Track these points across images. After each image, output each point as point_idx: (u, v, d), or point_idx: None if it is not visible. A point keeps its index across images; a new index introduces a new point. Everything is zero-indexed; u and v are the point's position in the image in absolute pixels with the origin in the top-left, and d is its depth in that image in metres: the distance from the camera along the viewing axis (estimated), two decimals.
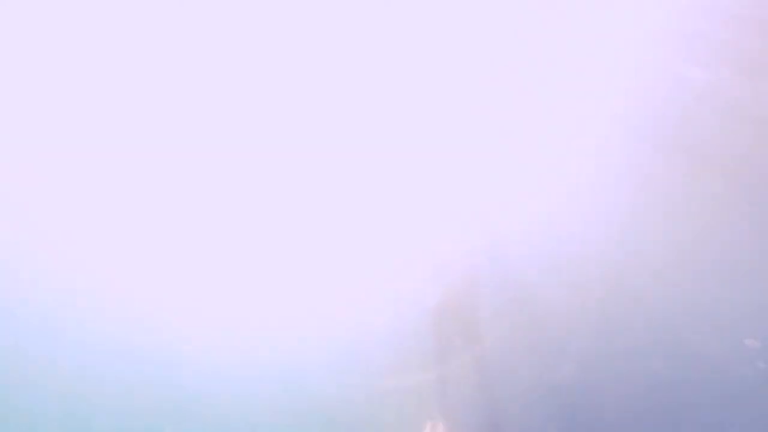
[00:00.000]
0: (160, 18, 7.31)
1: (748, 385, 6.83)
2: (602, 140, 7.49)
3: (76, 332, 7.90)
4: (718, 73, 6.97)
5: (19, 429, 7.86)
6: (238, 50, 7.52)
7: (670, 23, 7.03)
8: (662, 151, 7.43)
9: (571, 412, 7.21)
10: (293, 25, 7.50)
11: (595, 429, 7.18)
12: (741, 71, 6.89)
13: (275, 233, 7.80)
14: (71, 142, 7.70)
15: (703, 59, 6.96)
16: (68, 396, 7.79)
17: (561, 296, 7.44)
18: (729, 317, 7.03)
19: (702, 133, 7.28)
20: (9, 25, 7.40)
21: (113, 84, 7.56)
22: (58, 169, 7.76)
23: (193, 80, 7.61)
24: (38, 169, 7.77)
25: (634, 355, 7.19)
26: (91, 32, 7.31)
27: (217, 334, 7.97)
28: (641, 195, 7.48)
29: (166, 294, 7.81)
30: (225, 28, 7.48)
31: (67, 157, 7.70)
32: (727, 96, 7.03)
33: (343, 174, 7.72)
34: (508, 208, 7.55)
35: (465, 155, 7.62)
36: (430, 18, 7.36)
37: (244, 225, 7.87)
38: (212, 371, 7.88)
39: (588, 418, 7.15)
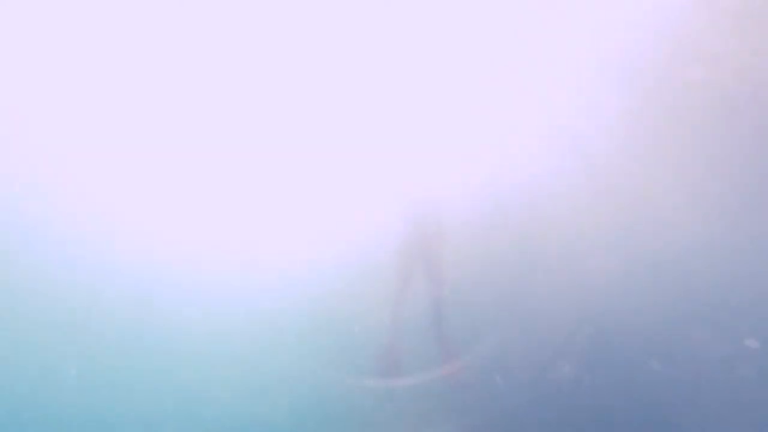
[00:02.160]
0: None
1: (748, 385, 6.83)
2: (599, 138, 7.49)
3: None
4: (718, 73, 6.97)
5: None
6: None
7: (669, 23, 7.03)
8: (660, 148, 7.45)
9: (568, 411, 7.21)
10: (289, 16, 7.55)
11: (592, 429, 7.19)
12: (741, 71, 6.90)
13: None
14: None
15: (703, 59, 6.97)
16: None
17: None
18: (729, 317, 7.04)
19: (700, 133, 7.29)
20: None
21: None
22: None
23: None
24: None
25: (631, 354, 7.20)
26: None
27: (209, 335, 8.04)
28: (639, 193, 7.47)
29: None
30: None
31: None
32: (727, 96, 7.03)
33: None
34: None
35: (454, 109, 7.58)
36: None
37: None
38: (207, 371, 7.92)
39: (584, 419, 7.15)
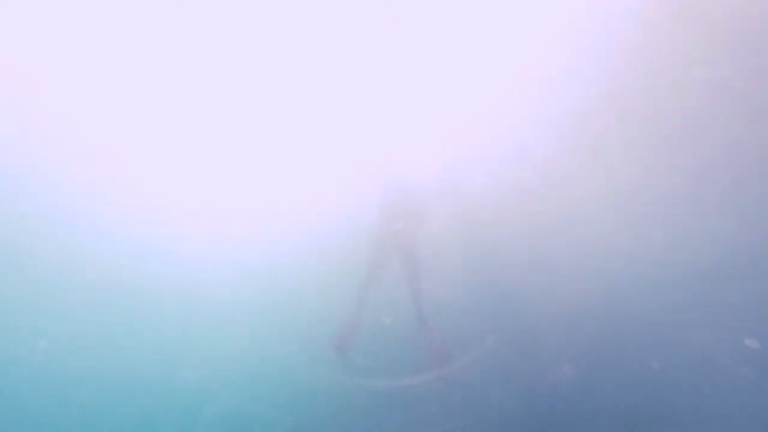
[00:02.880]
0: None
1: (748, 385, 6.82)
2: (602, 137, 7.48)
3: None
4: (718, 72, 6.95)
5: None
6: None
7: (670, 21, 7.01)
8: (661, 148, 7.43)
9: (568, 411, 7.22)
10: None
11: (592, 428, 7.19)
12: (741, 70, 6.87)
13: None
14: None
15: (703, 58, 6.94)
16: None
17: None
18: (729, 317, 7.03)
19: (702, 132, 7.26)
20: None
21: None
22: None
23: None
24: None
25: (631, 354, 7.20)
26: None
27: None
28: (640, 192, 7.46)
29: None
30: None
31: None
32: (727, 95, 7.00)
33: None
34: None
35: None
36: None
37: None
38: (209, 378, 7.97)
39: (584, 419, 7.16)
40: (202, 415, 7.89)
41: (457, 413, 7.40)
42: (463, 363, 7.32)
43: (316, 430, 7.79)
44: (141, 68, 7.97)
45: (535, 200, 7.64)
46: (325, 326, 7.89)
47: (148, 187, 8.36)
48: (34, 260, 8.44)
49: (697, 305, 7.15)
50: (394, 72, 7.60)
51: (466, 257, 7.68)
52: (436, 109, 7.49)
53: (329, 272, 7.96)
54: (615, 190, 7.55)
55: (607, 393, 7.11)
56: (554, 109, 7.60)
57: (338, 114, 7.75)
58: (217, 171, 8.32)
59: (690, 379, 6.98)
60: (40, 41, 7.83)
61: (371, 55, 7.61)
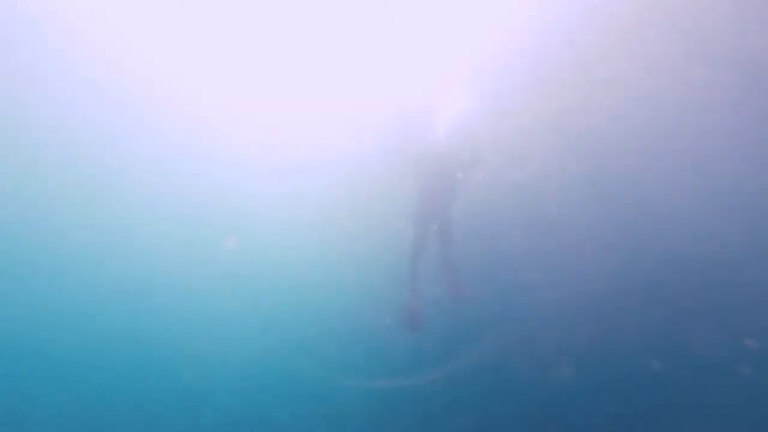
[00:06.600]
0: None
1: (748, 385, 6.83)
2: (602, 136, 7.48)
3: None
4: (718, 73, 6.94)
5: None
6: None
7: (671, 22, 7.01)
8: (661, 148, 7.43)
9: (568, 411, 7.22)
10: None
11: (592, 428, 7.20)
12: (741, 70, 6.87)
13: None
14: None
15: (703, 58, 6.94)
16: None
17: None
18: (729, 317, 7.03)
19: (702, 131, 7.27)
20: None
21: None
22: None
23: None
24: None
25: (631, 354, 7.20)
26: None
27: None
28: (639, 193, 7.46)
29: None
30: None
31: None
32: (727, 95, 7.00)
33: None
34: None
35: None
36: None
37: None
38: (209, 378, 7.98)
39: (584, 419, 7.16)
40: (202, 415, 7.89)
41: (457, 413, 7.41)
42: (463, 363, 7.34)
43: (315, 430, 7.80)
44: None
45: (535, 199, 7.64)
46: (325, 327, 7.93)
47: (145, 183, 8.30)
48: (31, 260, 8.42)
49: (697, 305, 7.15)
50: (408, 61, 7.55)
51: (465, 257, 7.67)
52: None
53: (329, 273, 7.96)
54: (615, 190, 7.55)
55: (606, 393, 7.11)
56: (553, 109, 7.59)
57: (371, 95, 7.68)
58: (223, 161, 8.24)
59: (690, 379, 6.99)
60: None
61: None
